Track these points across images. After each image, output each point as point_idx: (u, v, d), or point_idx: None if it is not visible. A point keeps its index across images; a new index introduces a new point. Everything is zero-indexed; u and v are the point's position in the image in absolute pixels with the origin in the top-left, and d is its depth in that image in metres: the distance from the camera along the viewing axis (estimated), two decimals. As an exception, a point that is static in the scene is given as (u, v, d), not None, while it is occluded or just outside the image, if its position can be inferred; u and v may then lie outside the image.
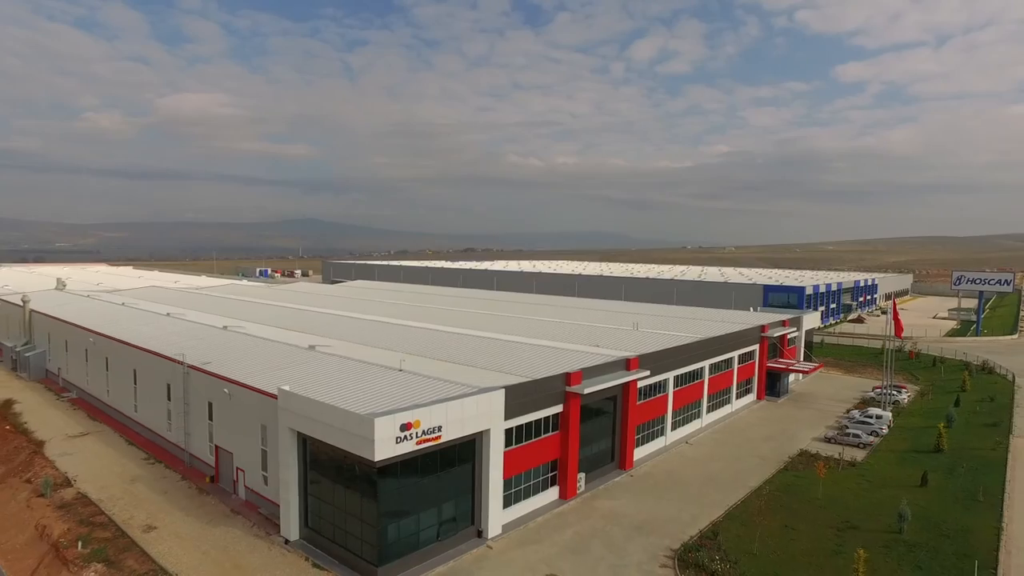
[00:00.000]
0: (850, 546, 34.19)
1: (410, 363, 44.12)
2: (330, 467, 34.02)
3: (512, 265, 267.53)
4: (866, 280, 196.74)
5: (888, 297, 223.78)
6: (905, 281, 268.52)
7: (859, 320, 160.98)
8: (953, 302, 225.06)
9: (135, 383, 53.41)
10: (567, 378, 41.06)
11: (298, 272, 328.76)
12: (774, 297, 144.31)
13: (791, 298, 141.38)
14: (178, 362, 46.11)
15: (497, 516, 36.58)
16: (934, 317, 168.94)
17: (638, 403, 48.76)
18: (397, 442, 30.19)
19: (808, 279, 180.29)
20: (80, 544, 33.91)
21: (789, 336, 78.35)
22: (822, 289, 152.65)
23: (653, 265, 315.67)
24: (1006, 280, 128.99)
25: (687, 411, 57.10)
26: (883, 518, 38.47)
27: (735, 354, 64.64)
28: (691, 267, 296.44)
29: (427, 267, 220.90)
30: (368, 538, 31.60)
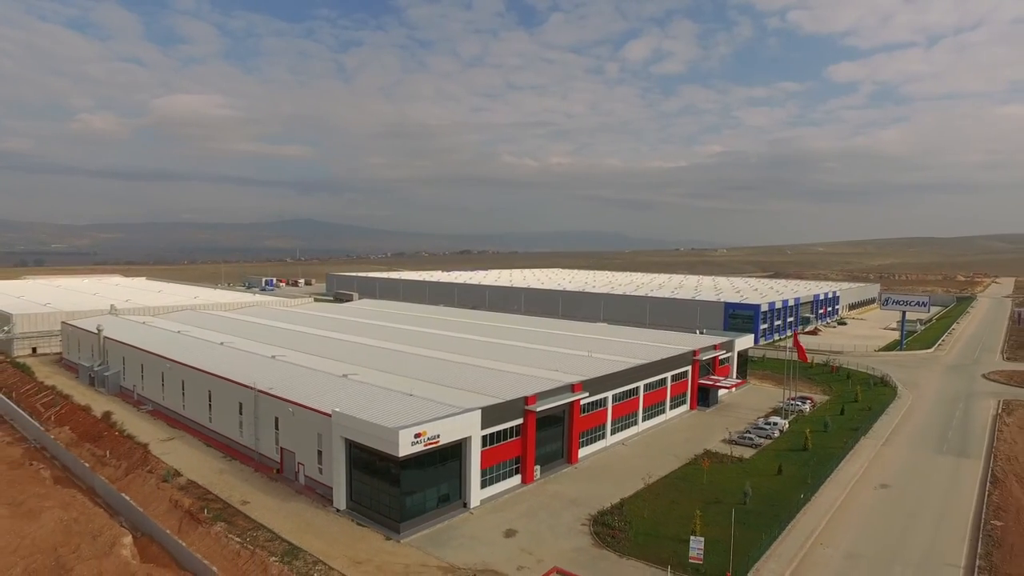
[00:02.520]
0: (708, 513, 52.17)
1: (416, 388, 62.38)
2: (367, 461, 52.11)
3: (504, 276, 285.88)
4: (827, 293, 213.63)
5: (851, 307, 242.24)
6: (871, 291, 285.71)
7: (814, 332, 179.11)
8: (917, 312, 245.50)
9: (210, 400, 71.42)
10: (526, 400, 59.32)
11: (301, 281, 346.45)
12: (734, 314, 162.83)
13: (748, 315, 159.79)
14: (249, 388, 64.23)
15: (477, 493, 54.79)
16: (885, 328, 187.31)
17: (582, 415, 67.02)
18: (412, 445, 48.28)
19: (773, 293, 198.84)
20: (205, 511, 52.00)
21: (721, 357, 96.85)
22: (778, 305, 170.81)
23: (638, 274, 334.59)
24: (922, 302, 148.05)
25: (625, 420, 75.33)
26: (740, 496, 56.63)
27: (668, 375, 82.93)
28: (674, 276, 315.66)
29: (424, 281, 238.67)
30: (393, 506, 49.75)
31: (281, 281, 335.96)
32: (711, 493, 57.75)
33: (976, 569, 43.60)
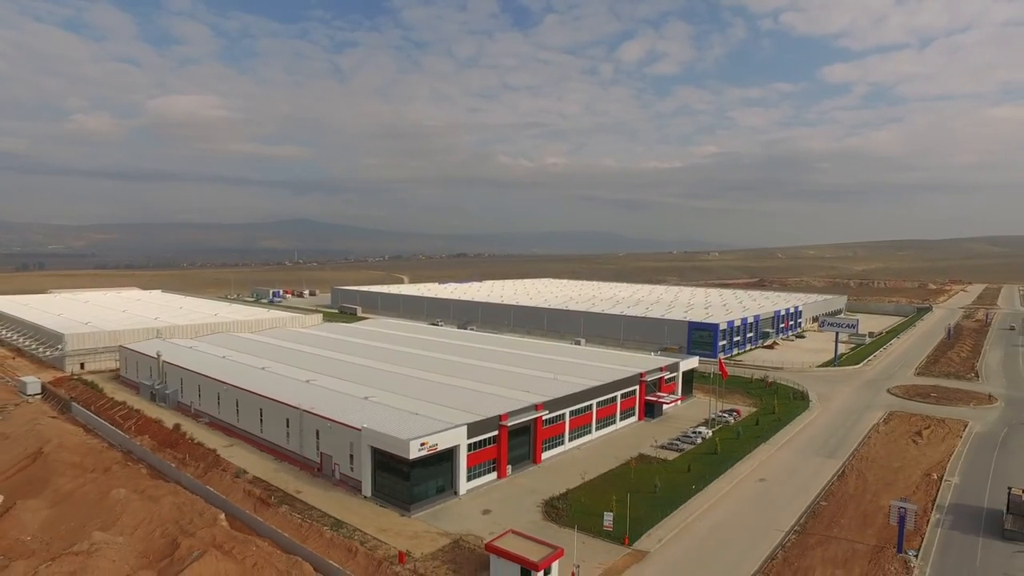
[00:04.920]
0: (626, 499, 73.68)
1: (419, 407, 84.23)
2: (386, 462, 73.85)
3: (496, 289, 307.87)
4: (788, 308, 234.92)
5: (814, 319, 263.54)
6: (838, 303, 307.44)
7: (771, 347, 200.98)
8: (883, 320, 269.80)
9: (261, 416, 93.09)
10: (500, 417, 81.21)
11: (306, 292, 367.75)
12: (696, 331, 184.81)
13: (708, 333, 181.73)
14: (295, 408, 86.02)
15: (464, 485, 76.65)
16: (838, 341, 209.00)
17: (544, 427, 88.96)
18: (418, 451, 70.03)
19: (740, 309, 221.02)
20: (272, 498, 73.72)
21: (667, 377, 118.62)
22: (737, 323, 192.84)
23: (623, 285, 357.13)
24: (851, 324, 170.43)
25: (580, 430, 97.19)
26: (652, 487, 78.32)
27: (618, 393, 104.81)
28: (656, 288, 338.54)
29: (422, 297, 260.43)
30: (405, 493, 71.59)
31: (287, 292, 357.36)
32: (634, 485, 79.37)
33: (792, 531, 65.78)
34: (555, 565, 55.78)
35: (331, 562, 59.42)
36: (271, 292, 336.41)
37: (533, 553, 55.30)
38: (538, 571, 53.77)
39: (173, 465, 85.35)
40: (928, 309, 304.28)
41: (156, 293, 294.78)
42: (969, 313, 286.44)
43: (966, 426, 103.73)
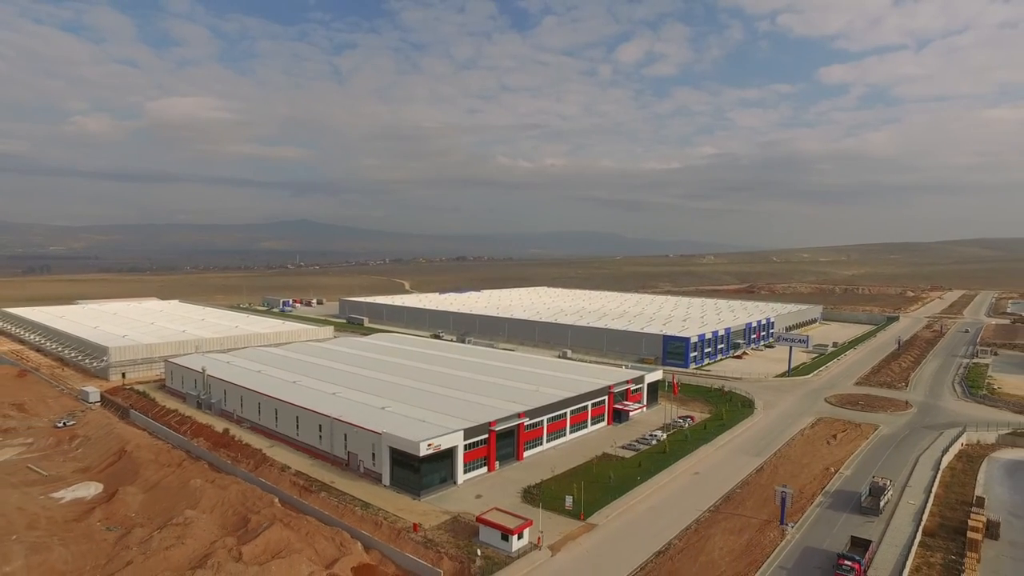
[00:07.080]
0: (585, 487, 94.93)
1: (426, 415, 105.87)
2: (401, 458, 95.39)
3: (494, 299, 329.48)
4: (760, 320, 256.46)
5: (788, 329, 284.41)
6: (814, 312, 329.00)
7: (740, 357, 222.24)
8: (854, 329, 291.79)
9: (297, 422, 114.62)
10: (490, 423, 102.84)
11: (314, 301, 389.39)
12: (670, 343, 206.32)
13: (681, 345, 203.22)
14: (327, 416, 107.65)
15: (461, 476, 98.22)
16: (802, 351, 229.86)
17: (526, 431, 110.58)
18: (426, 450, 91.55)
19: (715, 322, 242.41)
20: (312, 486, 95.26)
21: (633, 388, 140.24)
22: (708, 335, 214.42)
23: (614, 294, 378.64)
24: (802, 339, 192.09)
25: (556, 433, 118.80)
26: (607, 478, 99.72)
27: (589, 403, 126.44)
28: (644, 297, 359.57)
29: (424, 309, 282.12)
30: (416, 482, 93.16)
31: (296, 301, 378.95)
32: (593, 477, 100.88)
33: (708, 510, 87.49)
34: (526, 532, 77.51)
35: (364, 532, 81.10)
36: (281, 302, 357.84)
37: (510, 523, 77.00)
38: (513, 535, 75.49)
39: (228, 462, 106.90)
40: (896, 318, 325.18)
41: (174, 303, 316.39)
42: (931, 323, 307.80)
43: (876, 429, 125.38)
